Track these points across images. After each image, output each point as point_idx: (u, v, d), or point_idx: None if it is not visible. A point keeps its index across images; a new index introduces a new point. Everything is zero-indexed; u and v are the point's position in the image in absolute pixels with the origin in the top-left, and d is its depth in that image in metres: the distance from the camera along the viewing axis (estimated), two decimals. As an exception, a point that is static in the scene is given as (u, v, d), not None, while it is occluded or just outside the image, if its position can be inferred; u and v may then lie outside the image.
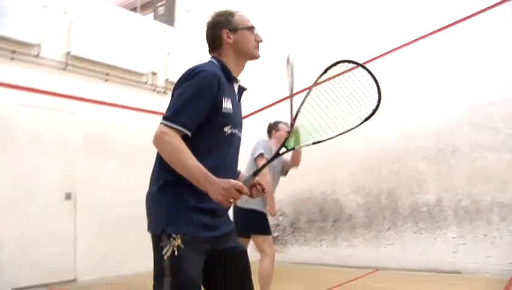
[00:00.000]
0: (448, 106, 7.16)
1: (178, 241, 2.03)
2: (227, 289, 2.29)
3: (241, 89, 2.39)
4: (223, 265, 2.27)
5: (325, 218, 8.25)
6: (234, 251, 2.32)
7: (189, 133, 2.06)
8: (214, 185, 1.96)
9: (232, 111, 2.21)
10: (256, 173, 2.18)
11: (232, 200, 1.97)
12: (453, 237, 6.92)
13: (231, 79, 2.31)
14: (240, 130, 2.33)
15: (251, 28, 2.37)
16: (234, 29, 2.32)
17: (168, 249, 2.03)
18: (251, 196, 2.25)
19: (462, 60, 7.12)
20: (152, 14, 9.58)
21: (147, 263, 7.27)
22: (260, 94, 8.93)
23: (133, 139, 7.61)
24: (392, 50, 7.75)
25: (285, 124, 5.14)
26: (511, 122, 6.65)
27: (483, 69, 6.95)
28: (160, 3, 9.29)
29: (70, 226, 6.80)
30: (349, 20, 8.42)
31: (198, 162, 2.00)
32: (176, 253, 2.02)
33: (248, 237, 4.87)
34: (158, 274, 2.10)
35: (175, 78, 7.53)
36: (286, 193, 8.31)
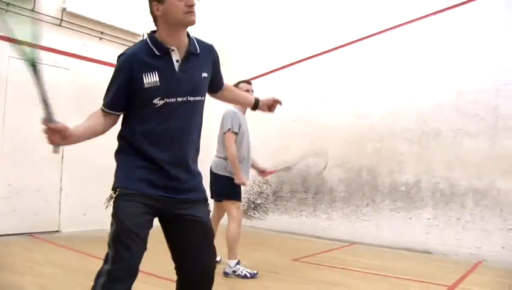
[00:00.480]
0: (435, 90, 7.22)
1: (117, 194, 2.34)
2: (182, 246, 2.45)
3: (192, 52, 2.43)
4: (179, 228, 2.44)
5: (307, 189, 8.44)
6: (191, 218, 2.44)
7: (113, 112, 2.46)
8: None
9: (159, 83, 2.31)
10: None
11: (51, 139, 2.30)
12: (428, 218, 7.10)
13: (162, 51, 2.35)
14: (183, 96, 2.37)
15: None
16: (161, 0, 2.31)
17: (108, 200, 2.36)
18: (271, 110, 3.01)
19: (453, 45, 7.13)
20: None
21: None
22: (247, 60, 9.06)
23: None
24: (383, 31, 7.75)
25: (247, 82, 5.43)
26: (494, 112, 6.73)
27: (472, 56, 6.97)
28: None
29: (56, 179, 7.00)
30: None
31: (81, 125, 2.50)
32: (114, 204, 2.33)
33: (220, 201, 5.27)
34: (110, 225, 2.37)
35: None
36: (271, 162, 8.46)
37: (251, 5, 9.54)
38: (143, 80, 2.31)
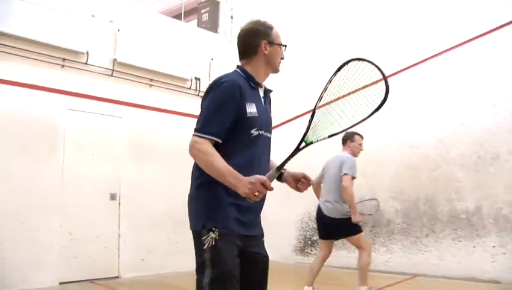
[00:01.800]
0: (488, 113, 7.05)
1: (216, 234, 2.24)
2: (245, 284, 2.40)
3: (267, 91, 2.58)
4: (247, 266, 2.41)
5: (363, 223, 8.24)
6: (259, 256, 2.51)
7: (219, 140, 2.28)
8: (241, 181, 2.12)
9: (257, 114, 2.39)
10: (280, 167, 2.31)
11: (257, 194, 2.11)
12: (493, 246, 6.81)
13: (256, 85, 2.48)
14: (268, 130, 2.49)
15: (283, 46, 2.58)
16: (271, 43, 2.50)
17: (208, 242, 2.24)
18: (298, 189, 2.53)
19: (504, 66, 7.00)
20: (196, 21, 9.84)
21: (185, 263, 7.56)
22: (291, 104, 9.10)
23: (176, 143, 7.89)
24: (433, 56, 7.69)
25: (361, 136, 5.93)
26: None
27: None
28: (204, 10, 9.53)
29: (114, 226, 7.13)
30: (381, 27, 8.46)
31: (226, 163, 2.19)
32: (214, 245, 2.23)
33: (335, 239, 5.93)
34: (199, 266, 2.30)
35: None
36: (325, 197, 8.39)
37: (296, 48, 9.66)
38: (246, 109, 2.35)
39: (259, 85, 2.51)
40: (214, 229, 2.25)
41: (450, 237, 7.22)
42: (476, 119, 7.18)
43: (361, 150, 5.97)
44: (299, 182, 2.52)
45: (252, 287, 2.47)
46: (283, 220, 6.58)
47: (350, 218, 5.56)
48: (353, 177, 5.59)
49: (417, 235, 7.57)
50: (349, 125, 2.43)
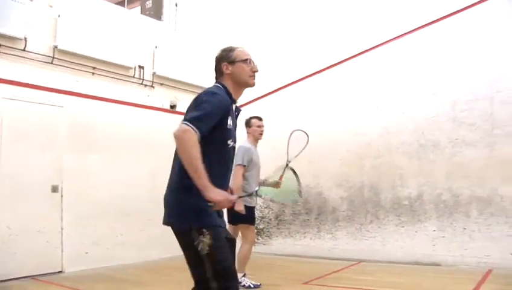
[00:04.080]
0: (430, 102, 7.31)
1: (207, 236, 2.47)
2: None
3: (238, 110, 2.91)
4: None
5: (309, 211, 8.39)
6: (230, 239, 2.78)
7: (200, 137, 2.47)
8: (216, 192, 2.42)
9: (232, 127, 2.72)
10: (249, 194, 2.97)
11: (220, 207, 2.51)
12: (433, 230, 7.09)
13: (232, 101, 2.80)
14: (235, 142, 2.83)
15: (245, 60, 2.84)
16: (232, 62, 2.83)
17: (202, 245, 2.46)
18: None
19: (444, 55, 7.27)
20: (139, 8, 9.60)
21: (131, 255, 7.46)
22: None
23: (120, 133, 7.76)
24: (375, 46, 7.90)
25: (258, 118, 6.01)
26: (489, 119, 6.80)
27: (464, 66, 7.10)
28: (148, -3, 9.33)
29: (56, 219, 6.87)
30: (329, 16, 8.58)
31: (202, 169, 2.41)
32: (209, 248, 2.46)
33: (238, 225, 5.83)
34: (195, 262, 2.54)
35: (162, 72, 7.72)
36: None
37: (241, 35, 9.60)
38: (228, 121, 2.66)
39: (234, 102, 2.83)
40: (204, 231, 2.48)
41: (393, 223, 7.46)
42: (417, 108, 7.41)
43: (261, 131, 6.05)
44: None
45: None
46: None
47: (249, 207, 5.74)
48: (244, 166, 5.67)
49: (361, 222, 7.78)
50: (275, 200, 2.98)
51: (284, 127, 8.43)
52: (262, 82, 8.79)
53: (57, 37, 6.99)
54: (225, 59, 2.85)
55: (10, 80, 6.52)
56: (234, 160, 5.28)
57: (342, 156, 8.05)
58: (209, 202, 2.41)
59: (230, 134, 2.71)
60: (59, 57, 7.05)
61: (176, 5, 9.14)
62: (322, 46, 8.49)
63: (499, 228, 6.54)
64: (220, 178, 2.64)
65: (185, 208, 2.56)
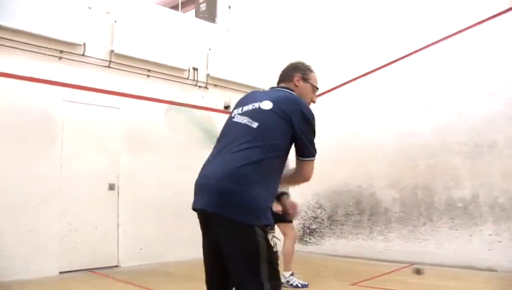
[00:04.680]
0: (485, 101, 7.05)
1: (273, 232, 2.41)
2: None
3: None
4: None
5: (361, 211, 8.32)
6: None
7: None
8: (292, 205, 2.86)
9: None
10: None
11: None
12: (489, 235, 6.82)
13: None
14: None
15: (315, 87, 2.91)
16: (305, 80, 2.85)
17: (271, 239, 2.37)
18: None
19: (499, 54, 6.99)
20: (194, 11, 9.84)
21: (184, 252, 7.69)
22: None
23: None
24: (428, 45, 7.71)
25: None
26: (550, 118, 6.50)
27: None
28: (202, 0, 9.54)
29: (113, 216, 7.21)
30: (379, 16, 8.49)
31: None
32: (274, 245, 2.38)
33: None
34: (251, 260, 2.34)
35: (216, 73, 7.92)
36: (323, 186, 8.45)
37: (294, 37, 9.63)
38: None
39: None
40: (267, 229, 2.37)
41: (447, 226, 7.25)
42: (473, 107, 7.17)
43: None
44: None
45: None
46: (283, 211, 6.73)
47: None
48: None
49: (414, 224, 7.61)
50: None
51: (336, 129, 8.48)
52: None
53: (113, 41, 7.32)
54: (301, 72, 2.86)
55: (70, 84, 6.89)
56: None
57: (395, 156, 7.91)
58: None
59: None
60: (115, 60, 7.39)
61: (229, 8, 9.32)
62: (374, 46, 8.39)
63: (559, 232, 6.24)
64: (278, 182, 2.64)
65: (252, 201, 2.37)
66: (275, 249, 2.37)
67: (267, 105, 2.57)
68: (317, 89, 2.92)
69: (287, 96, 2.64)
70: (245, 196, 2.35)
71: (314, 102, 2.93)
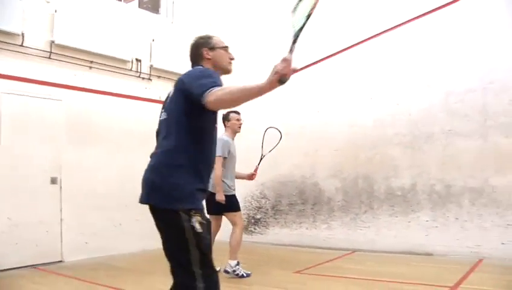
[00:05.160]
0: (423, 93, 7.35)
1: (198, 216, 2.50)
2: None
3: None
4: None
5: (305, 201, 8.51)
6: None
7: None
8: (271, 76, 2.25)
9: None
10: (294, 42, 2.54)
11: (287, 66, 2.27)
12: (426, 221, 7.16)
13: None
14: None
15: (225, 48, 2.96)
16: (212, 48, 2.91)
17: (193, 223, 2.47)
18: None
19: (437, 47, 7.28)
20: (137, 2, 9.68)
21: (130, 245, 7.65)
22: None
23: (118, 125, 7.91)
24: (369, 38, 7.93)
25: (236, 113, 6.16)
26: (482, 110, 6.84)
27: (457, 57, 7.11)
28: (145, -10, 9.42)
29: (56, 210, 7.06)
30: (324, 10, 8.51)
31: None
32: (200, 227, 2.48)
33: (220, 215, 6.16)
34: (182, 244, 2.49)
35: (159, 65, 7.88)
36: (268, 176, 8.58)
37: (237, 27, 9.65)
38: None
39: None
40: (192, 213, 2.49)
41: (387, 213, 7.54)
42: (412, 99, 7.46)
43: (240, 124, 6.28)
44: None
45: None
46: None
47: (230, 195, 6.02)
48: (224, 158, 5.96)
49: (356, 212, 7.87)
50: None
51: (281, 120, 8.61)
52: (258, 73, 8.92)
53: (54, 32, 7.12)
54: (205, 45, 2.91)
55: (9, 75, 6.67)
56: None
57: (337, 147, 8.13)
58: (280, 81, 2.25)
59: (216, 119, 2.76)
60: (56, 51, 7.20)
61: (173, -1, 9.24)
62: (316, 38, 8.50)
63: (491, 218, 6.59)
64: (210, 160, 2.72)
65: (173, 187, 2.53)
66: (199, 231, 2.47)
67: (173, 91, 2.74)
68: (227, 46, 2.97)
69: (186, 72, 2.73)
70: (167, 183, 2.54)
71: (233, 58, 2.98)
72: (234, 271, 5.92)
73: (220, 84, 2.48)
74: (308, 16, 2.58)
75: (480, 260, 6.40)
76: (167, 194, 2.52)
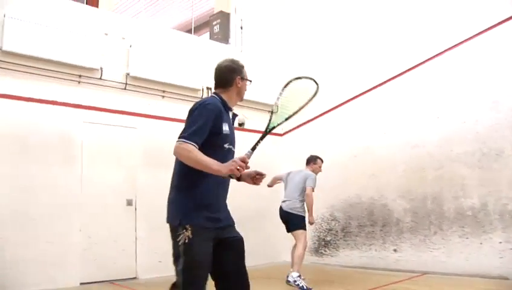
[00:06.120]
0: (490, 110, 7.11)
1: (189, 231, 2.77)
2: (226, 266, 2.97)
3: (234, 115, 3.22)
4: (222, 248, 2.95)
5: (374, 223, 8.42)
6: (232, 239, 3.03)
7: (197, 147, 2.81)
8: (224, 165, 2.72)
9: (229, 132, 3.00)
10: (254, 148, 2.88)
11: (239, 168, 2.69)
12: (499, 242, 6.82)
13: (228, 109, 3.11)
14: (234, 146, 3.10)
15: (249, 80, 3.24)
16: (243, 78, 3.18)
17: (182, 237, 2.78)
18: (255, 183, 3.15)
19: (503, 63, 7.06)
20: (208, 34, 10.27)
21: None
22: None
23: (189, 150, 8.32)
24: (434, 56, 7.85)
25: (321, 159, 7.33)
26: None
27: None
28: (215, 22, 9.97)
29: (131, 230, 7.58)
30: (385, 31, 8.70)
31: (209, 157, 2.73)
32: (187, 239, 2.76)
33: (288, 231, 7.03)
34: (174, 255, 2.85)
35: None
36: (337, 198, 8.62)
37: (303, 54, 9.91)
38: (222, 127, 2.94)
39: (230, 109, 3.15)
40: (187, 227, 2.78)
41: (457, 234, 7.28)
42: (478, 116, 7.24)
43: (320, 171, 7.30)
44: (254, 178, 3.15)
45: (233, 266, 2.99)
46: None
47: (299, 215, 6.91)
48: (313, 189, 6.92)
49: (425, 234, 7.66)
50: (294, 110, 3.13)
51: (347, 143, 8.67)
52: (325, 98, 9.09)
53: (129, 65, 7.79)
54: (239, 73, 3.16)
55: (89, 106, 7.36)
56: (306, 183, 6.84)
57: (404, 167, 8.02)
58: (230, 176, 2.79)
59: (226, 138, 2.97)
60: (131, 83, 7.84)
61: (241, 28, 9.70)
62: (381, 61, 8.58)
63: None
64: (217, 179, 2.87)
65: (178, 206, 2.87)
66: (186, 242, 2.76)
67: None
68: (250, 80, 3.24)
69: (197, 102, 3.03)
70: (171, 203, 2.94)
71: (246, 90, 3.25)
72: (295, 281, 6.52)
73: (198, 132, 2.78)
74: (288, 118, 3.12)
75: (559, 285, 6.02)
76: (171, 212, 2.96)
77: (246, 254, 3.05)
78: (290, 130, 9.78)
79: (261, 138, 2.98)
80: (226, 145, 2.97)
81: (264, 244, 8.83)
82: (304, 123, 9.47)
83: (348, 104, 9.03)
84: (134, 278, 7.51)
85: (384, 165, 8.23)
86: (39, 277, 6.51)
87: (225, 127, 2.95)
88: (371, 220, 8.46)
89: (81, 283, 6.92)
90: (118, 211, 7.49)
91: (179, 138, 2.79)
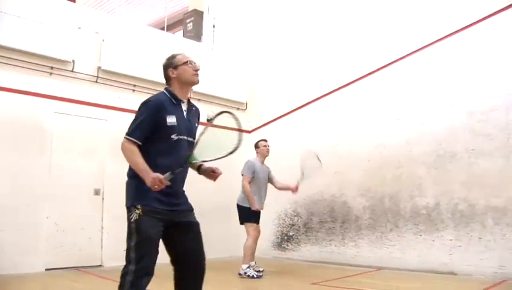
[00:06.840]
0: (447, 113, 7.43)
1: (140, 210, 3.09)
2: (182, 247, 3.24)
3: (192, 106, 3.40)
4: (179, 231, 3.22)
5: (334, 219, 8.70)
6: (188, 223, 3.27)
7: (140, 143, 3.13)
8: (148, 175, 2.95)
9: (175, 123, 3.16)
10: (172, 173, 3.01)
11: (156, 187, 2.92)
12: (450, 240, 7.15)
13: (177, 101, 3.27)
14: (189, 135, 3.26)
15: (186, 62, 3.32)
16: (175, 67, 3.31)
17: (133, 215, 3.13)
18: (211, 179, 3.38)
19: (460, 68, 7.40)
20: (182, 32, 10.49)
21: (166, 253, 8.19)
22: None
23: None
24: (395, 61, 8.16)
25: (263, 140, 7.49)
26: (505, 129, 6.83)
27: (480, 77, 7.18)
28: (189, 20, 10.21)
29: (98, 218, 7.77)
30: (350, 33, 9.02)
31: (143, 160, 3.05)
32: (138, 217, 3.10)
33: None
34: (128, 233, 3.20)
35: (202, 90, 8.59)
36: (300, 195, 8.86)
37: (273, 54, 10.16)
38: (166, 119, 3.13)
39: (180, 101, 3.28)
40: (138, 207, 3.10)
41: (412, 232, 7.60)
42: (436, 119, 7.56)
43: (267, 151, 7.40)
44: (209, 175, 3.38)
45: (189, 246, 3.24)
46: (262, 218, 7.24)
47: (243, 207, 7.05)
48: (250, 178, 7.07)
49: (382, 231, 7.97)
50: (211, 159, 3.20)
51: (313, 141, 8.94)
52: (292, 96, 9.35)
53: (101, 59, 7.98)
54: (170, 66, 3.33)
55: (60, 97, 7.53)
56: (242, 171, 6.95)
57: (365, 166, 8.33)
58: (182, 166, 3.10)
59: (173, 129, 3.13)
60: (103, 76, 8.04)
61: (214, 27, 9.91)
62: (346, 61, 8.88)
63: (514, 238, 6.52)
64: (169, 168, 3.00)
65: (132, 190, 3.22)
66: (137, 219, 3.11)
67: None
68: (188, 61, 3.34)
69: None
70: (126, 188, 3.34)
71: (198, 69, 3.37)
72: (245, 273, 6.87)
73: (138, 127, 3.13)
74: (213, 160, 3.20)
75: (504, 281, 6.32)
76: (127, 195, 3.39)
77: (207, 247, 3.27)
78: (257, 128, 10.01)
79: (181, 166, 3.10)
80: (173, 136, 3.13)
81: (227, 238, 9.03)
82: (272, 121, 9.73)
83: (315, 103, 9.29)
84: (100, 265, 7.70)
85: (347, 163, 8.51)
86: (5, 263, 6.62)
87: (170, 119, 3.13)
88: (332, 216, 8.74)
89: (47, 269, 7.09)
90: (86, 200, 7.67)
91: (126, 133, 3.16)
